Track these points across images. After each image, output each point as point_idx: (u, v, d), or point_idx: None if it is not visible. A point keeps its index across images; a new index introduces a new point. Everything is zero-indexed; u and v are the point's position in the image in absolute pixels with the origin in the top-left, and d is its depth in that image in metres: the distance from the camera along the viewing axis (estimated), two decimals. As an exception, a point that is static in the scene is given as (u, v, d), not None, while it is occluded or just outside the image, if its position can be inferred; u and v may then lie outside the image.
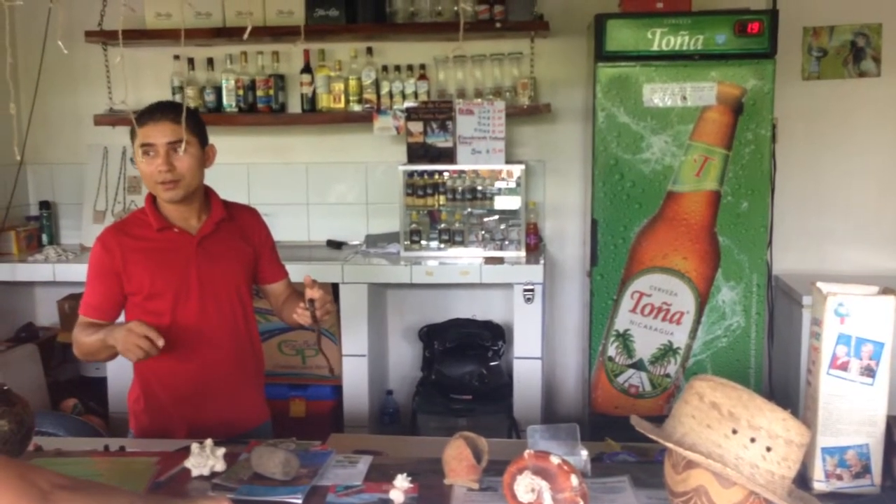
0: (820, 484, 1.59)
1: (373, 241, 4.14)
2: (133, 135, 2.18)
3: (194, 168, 2.18)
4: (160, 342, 1.94)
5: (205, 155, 2.24)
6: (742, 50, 3.45)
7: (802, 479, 1.58)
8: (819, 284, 1.60)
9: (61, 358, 4.27)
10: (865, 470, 1.58)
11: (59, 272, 3.98)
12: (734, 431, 1.33)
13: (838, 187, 4.02)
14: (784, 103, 3.76)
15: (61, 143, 4.42)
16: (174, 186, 2.15)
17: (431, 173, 3.92)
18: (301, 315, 2.12)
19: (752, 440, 1.32)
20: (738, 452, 1.32)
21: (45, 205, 4.39)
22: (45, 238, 4.36)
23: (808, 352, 1.63)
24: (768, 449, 1.32)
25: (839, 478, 1.59)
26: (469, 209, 3.96)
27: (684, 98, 3.49)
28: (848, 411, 1.57)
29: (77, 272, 3.83)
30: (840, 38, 3.93)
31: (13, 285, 4.19)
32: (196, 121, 2.24)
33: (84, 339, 2.13)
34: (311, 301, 2.07)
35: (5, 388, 1.73)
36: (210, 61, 4.13)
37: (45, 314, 4.45)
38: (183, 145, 2.12)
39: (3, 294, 4.18)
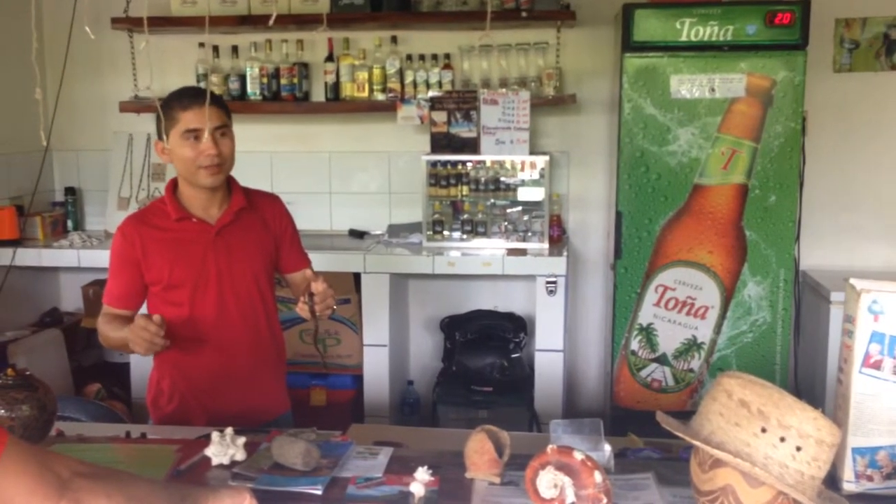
0: (850, 485, 1.56)
1: (395, 230, 4.12)
2: (163, 120, 2.13)
3: (233, 152, 2.20)
4: (159, 339, 1.93)
5: None
6: (773, 41, 3.40)
7: (832, 480, 1.54)
8: (852, 281, 1.56)
9: (85, 343, 4.30)
10: (897, 471, 1.55)
11: (84, 258, 4.01)
12: (763, 430, 1.30)
13: (868, 182, 3.95)
14: (814, 96, 3.69)
15: (87, 129, 4.44)
16: (219, 171, 2.16)
17: (455, 163, 3.90)
18: (301, 308, 2.10)
19: (782, 439, 1.29)
20: (766, 452, 1.29)
21: (70, 191, 4.41)
22: (70, 224, 4.39)
23: (835, 349, 1.59)
24: (798, 449, 1.29)
25: (869, 479, 1.55)
26: (492, 200, 3.94)
27: (713, 90, 3.44)
28: (880, 411, 1.53)
29: (101, 258, 3.82)
30: (872, 31, 3.86)
31: (38, 270, 4.22)
32: (226, 107, 2.25)
33: (109, 334, 2.15)
34: (311, 295, 2.05)
35: (27, 373, 1.74)
36: (234, 49, 4.13)
37: (70, 299, 4.48)
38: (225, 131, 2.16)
39: (28, 279, 4.21)
